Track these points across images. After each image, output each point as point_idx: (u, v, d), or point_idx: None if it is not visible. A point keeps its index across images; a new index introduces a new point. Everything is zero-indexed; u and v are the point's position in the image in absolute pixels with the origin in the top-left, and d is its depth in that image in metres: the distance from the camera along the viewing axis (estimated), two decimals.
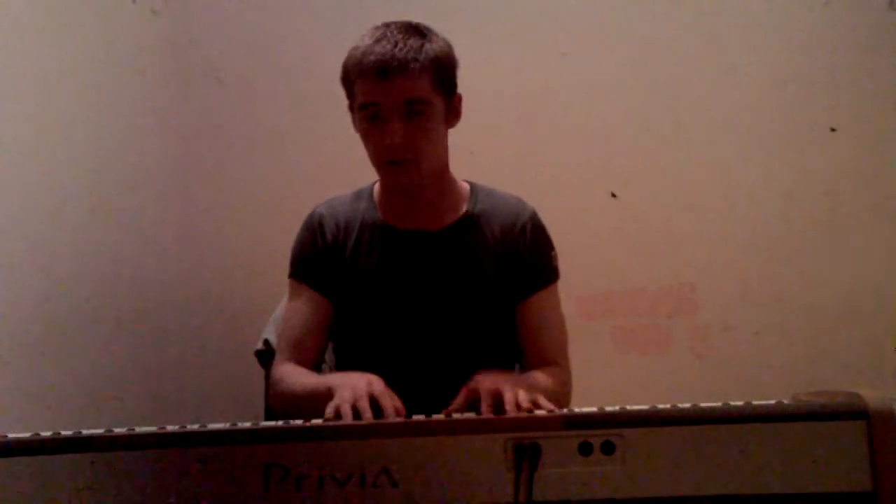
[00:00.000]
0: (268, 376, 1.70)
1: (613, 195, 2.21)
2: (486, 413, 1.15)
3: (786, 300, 2.18)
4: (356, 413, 1.15)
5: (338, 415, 1.16)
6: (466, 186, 1.60)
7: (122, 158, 2.18)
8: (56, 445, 1.07)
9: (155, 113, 2.20)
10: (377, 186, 1.60)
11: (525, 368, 1.57)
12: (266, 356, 1.70)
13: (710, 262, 2.19)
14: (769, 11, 2.20)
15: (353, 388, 1.20)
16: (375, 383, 1.22)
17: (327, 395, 1.24)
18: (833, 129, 2.18)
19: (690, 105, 2.21)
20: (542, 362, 1.52)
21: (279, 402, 1.48)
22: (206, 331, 2.18)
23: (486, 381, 1.22)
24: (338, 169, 2.13)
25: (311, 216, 1.60)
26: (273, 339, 1.70)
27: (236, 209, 2.21)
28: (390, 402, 1.18)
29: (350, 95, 1.49)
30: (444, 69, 1.46)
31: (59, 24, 2.15)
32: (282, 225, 2.12)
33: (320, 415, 1.20)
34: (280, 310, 1.75)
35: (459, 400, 1.23)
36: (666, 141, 2.21)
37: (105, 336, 2.14)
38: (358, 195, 1.61)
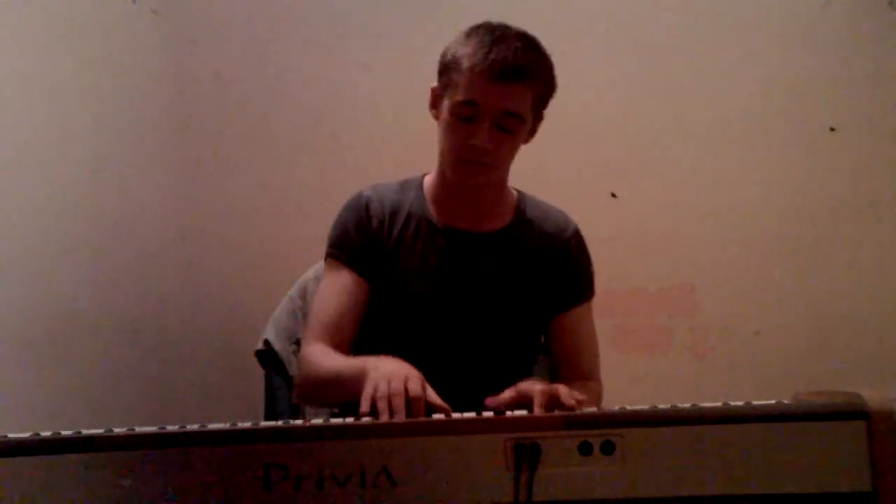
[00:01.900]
0: (268, 376, 1.70)
1: (613, 195, 2.21)
2: (539, 409, 1.15)
3: (786, 300, 2.18)
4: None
5: (373, 408, 1.14)
6: (515, 194, 1.60)
7: (122, 158, 2.18)
8: (56, 445, 1.07)
9: (155, 113, 2.20)
10: (428, 179, 1.58)
11: (559, 382, 1.56)
12: (266, 356, 1.70)
13: (710, 262, 2.19)
14: (769, 12, 2.20)
15: (390, 380, 1.16)
16: (412, 381, 1.17)
17: (360, 377, 1.22)
18: (833, 129, 2.18)
19: (690, 105, 2.21)
20: (578, 377, 1.52)
21: (307, 382, 1.45)
22: (206, 331, 2.18)
23: (538, 384, 1.20)
24: (338, 169, 2.13)
25: (357, 198, 1.56)
26: (273, 339, 1.70)
27: (236, 209, 2.21)
28: (422, 403, 1.15)
29: (447, 83, 1.45)
30: (546, 91, 1.47)
31: (59, 25, 2.15)
32: (282, 225, 2.13)
33: (348, 397, 1.19)
34: (280, 310, 1.75)
35: (506, 396, 1.20)
36: (666, 141, 2.21)
37: (105, 336, 2.14)
38: (405, 185, 1.58)
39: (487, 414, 1.13)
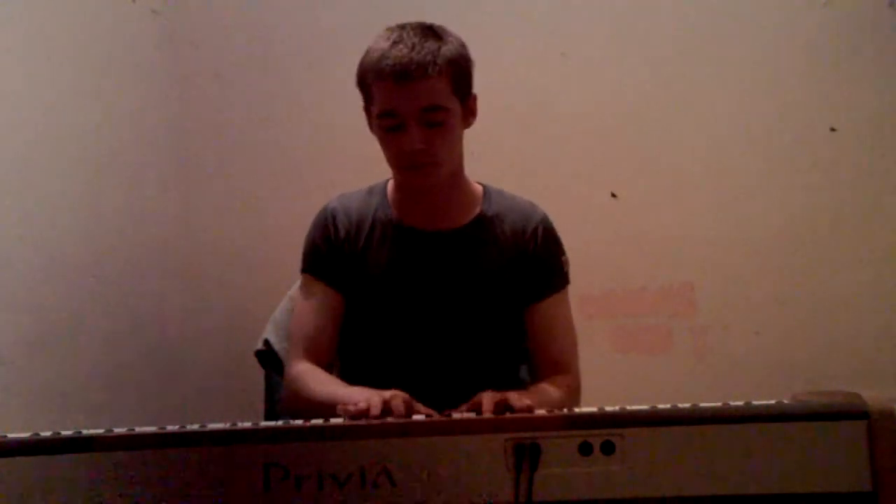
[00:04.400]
0: (268, 376, 1.70)
1: (613, 195, 2.21)
2: (488, 412, 1.14)
3: (786, 300, 2.17)
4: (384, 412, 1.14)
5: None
6: (479, 188, 1.60)
7: (123, 158, 2.18)
8: (56, 445, 1.07)
9: (155, 113, 2.20)
10: (391, 184, 1.59)
11: (534, 373, 1.57)
12: (266, 356, 1.70)
13: (710, 262, 2.19)
14: (769, 11, 2.20)
15: (381, 393, 1.19)
16: (403, 395, 1.20)
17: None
18: (833, 129, 2.18)
19: (690, 105, 2.20)
20: (552, 368, 1.52)
21: (294, 401, 1.46)
22: (206, 331, 2.18)
23: (490, 392, 1.21)
24: (338, 167, 2.13)
25: (324, 210, 1.59)
26: (273, 339, 1.70)
27: (236, 209, 2.21)
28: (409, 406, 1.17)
29: (367, 99, 1.47)
30: (461, 71, 1.45)
31: (59, 25, 2.15)
32: (282, 224, 2.13)
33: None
34: (280, 310, 1.75)
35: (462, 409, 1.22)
36: (666, 141, 2.20)
37: (105, 336, 2.14)
38: (370, 191, 1.60)
39: (487, 414, 1.13)
